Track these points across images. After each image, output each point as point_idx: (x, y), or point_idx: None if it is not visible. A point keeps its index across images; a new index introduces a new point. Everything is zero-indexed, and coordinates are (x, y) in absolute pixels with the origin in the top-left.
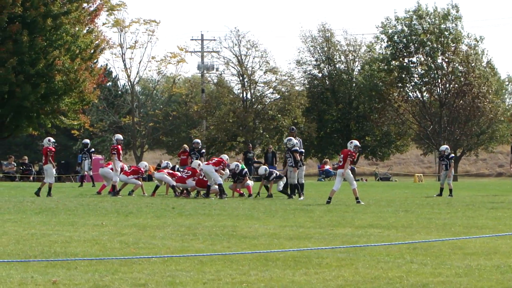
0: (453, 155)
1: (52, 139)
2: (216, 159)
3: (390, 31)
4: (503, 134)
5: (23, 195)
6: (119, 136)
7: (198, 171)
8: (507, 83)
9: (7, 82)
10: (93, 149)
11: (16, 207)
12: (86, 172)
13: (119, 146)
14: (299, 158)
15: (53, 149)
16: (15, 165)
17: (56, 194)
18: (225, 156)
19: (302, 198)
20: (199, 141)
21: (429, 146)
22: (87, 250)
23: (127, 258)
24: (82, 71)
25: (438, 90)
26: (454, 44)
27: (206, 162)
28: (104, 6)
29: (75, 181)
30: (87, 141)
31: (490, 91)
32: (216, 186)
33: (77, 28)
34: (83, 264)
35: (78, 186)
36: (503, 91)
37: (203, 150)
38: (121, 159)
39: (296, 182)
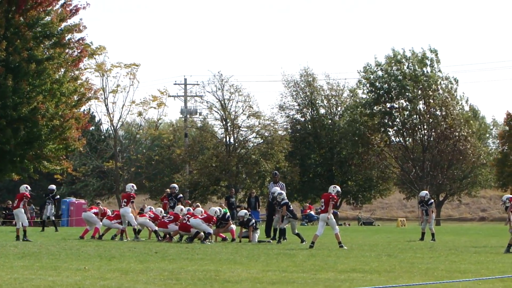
0: (432, 200)
1: (29, 187)
2: (205, 214)
3: (371, 76)
4: (486, 179)
5: (5, 240)
6: (133, 185)
7: (180, 216)
8: (491, 127)
9: None
10: (58, 196)
11: None
12: (48, 217)
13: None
14: (285, 213)
15: (29, 196)
16: None
17: (39, 238)
18: (213, 210)
19: (284, 240)
20: (176, 186)
21: (412, 191)
22: None
23: None
24: (68, 119)
25: (420, 135)
26: (434, 87)
27: (193, 216)
28: (85, 50)
29: (59, 226)
30: (53, 187)
31: (471, 134)
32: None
33: (61, 73)
34: None
35: (40, 231)
36: (487, 135)
37: (180, 195)
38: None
39: (278, 227)
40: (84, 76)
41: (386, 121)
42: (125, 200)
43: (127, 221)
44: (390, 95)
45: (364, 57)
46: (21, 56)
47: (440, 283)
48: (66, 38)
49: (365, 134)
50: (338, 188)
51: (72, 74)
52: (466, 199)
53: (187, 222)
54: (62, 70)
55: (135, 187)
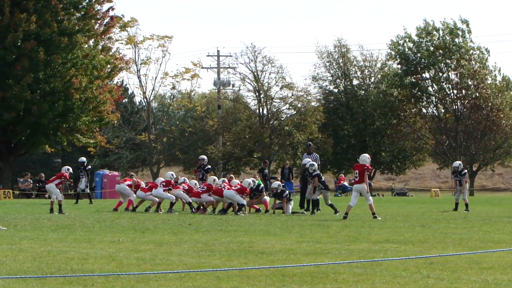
0: (465, 170)
1: (70, 169)
2: (239, 185)
3: (400, 47)
4: None
5: (39, 212)
6: (173, 173)
7: (213, 186)
8: None
9: (22, 99)
10: (89, 167)
11: (32, 224)
12: (83, 190)
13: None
14: (317, 184)
15: (67, 178)
16: (32, 182)
17: (73, 211)
18: (246, 181)
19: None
20: (204, 157)
21: (445, 161)
22: (104, 267)
23: (144, 274)
24: (104, 93)
25: (453, 105)
26: (466, 57)
27: (228, 187)
28: (117, 23)
29: (93, 198)
30: (83, 159)
31: (505, 104)
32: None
33: (91, 44)
34: (100, 281)
35: (74, 203)
36: None
37: (208, 166)
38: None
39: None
40: (115, 46)
41: (416, 91)
42: (165, 183)
43: (163, 198)
44: (420, 66)
45: (397, 28)
46: (51, 29)
47: (474, 254)
48: (95, 8)
49: (396, 106)
50: (368, 156)
51: (103, 44)
52: (500, 169)
53: (223, 189)
54: (92, 41)
55: (175, 176)
